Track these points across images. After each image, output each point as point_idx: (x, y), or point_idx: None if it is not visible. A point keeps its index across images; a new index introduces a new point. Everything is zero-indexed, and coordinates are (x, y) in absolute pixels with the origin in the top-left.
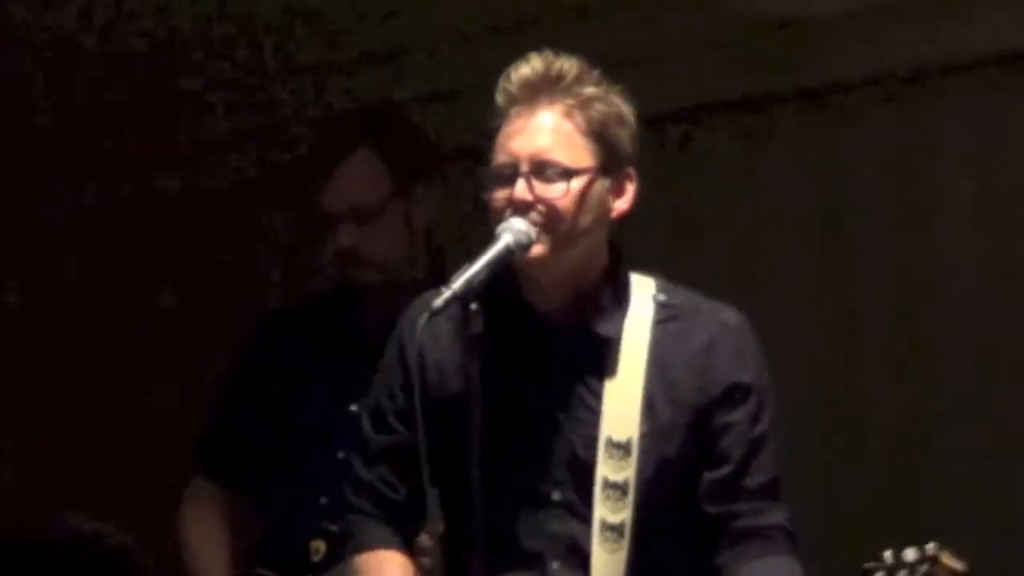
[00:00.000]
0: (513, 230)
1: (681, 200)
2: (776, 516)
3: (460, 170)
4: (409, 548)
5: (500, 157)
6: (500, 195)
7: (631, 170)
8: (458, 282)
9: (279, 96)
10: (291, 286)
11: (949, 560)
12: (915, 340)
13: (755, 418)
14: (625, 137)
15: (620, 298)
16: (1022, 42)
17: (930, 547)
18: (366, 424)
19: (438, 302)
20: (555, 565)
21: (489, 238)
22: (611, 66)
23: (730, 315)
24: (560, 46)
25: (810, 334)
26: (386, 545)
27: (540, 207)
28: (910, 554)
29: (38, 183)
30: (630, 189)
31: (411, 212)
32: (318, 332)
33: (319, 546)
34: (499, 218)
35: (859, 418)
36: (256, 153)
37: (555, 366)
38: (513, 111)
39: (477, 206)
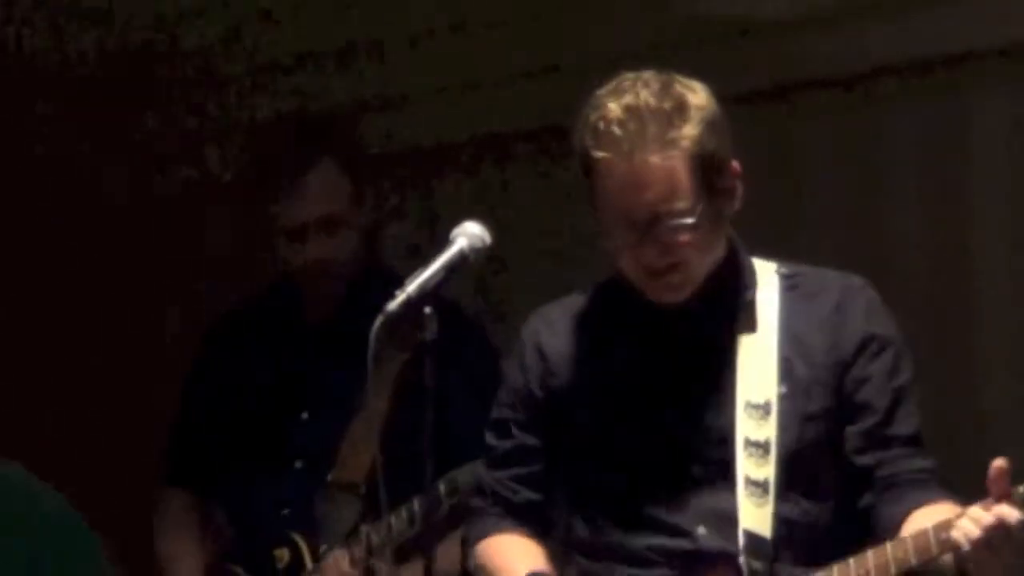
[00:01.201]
0: (468, 234)
1: None
2: (926, 462)
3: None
4: (533, 536)
5: (613, 216)
6: (625, 252)
7: (734, 163)
8: (413, 285)
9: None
10: None
11: None
12: None
13: (895, 368)
14: (720, 140)
15: (746, 277)
16: (980, 41)
17: None
18: (490, 432)
19: (392, 306)
20: (701, 530)
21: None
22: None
23: (855, 278)
24: (515, 48)
25: None
26: (507, 530)
27: (670, 256)
28: None
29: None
30: (738, 185)
31: (364, 215)
32: (262, 337)
33: (283, 554)
34: (638, 273)
35: None
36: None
37: (685, 342)
38: (607, 161)
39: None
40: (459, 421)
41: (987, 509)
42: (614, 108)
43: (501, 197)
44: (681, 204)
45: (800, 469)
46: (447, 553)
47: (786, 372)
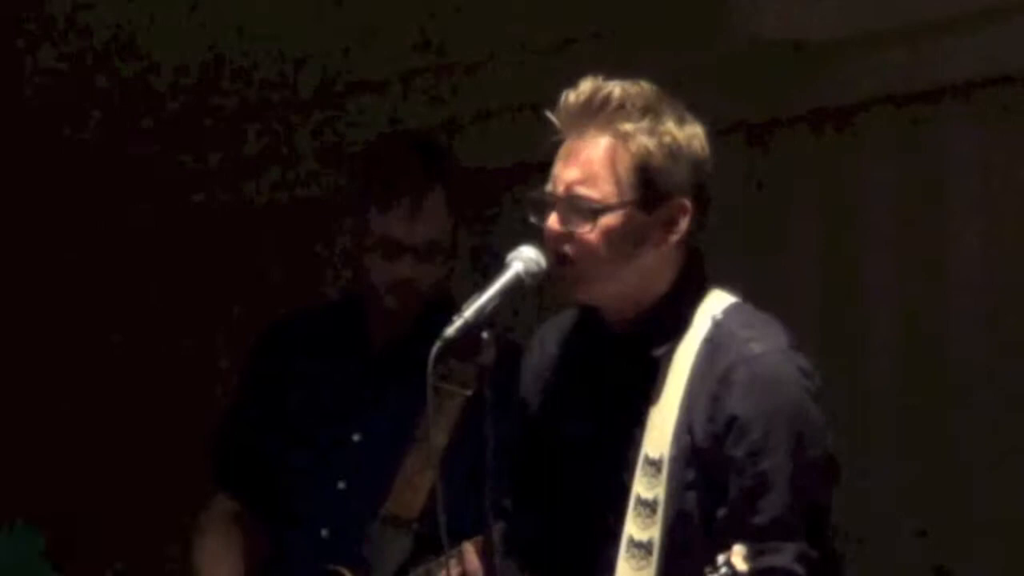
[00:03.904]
0: (523, 258)
1: None
2: (782, 557)
3: None
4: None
5: (547, 183)
6: (544, 221)
7: (684, 201)
8: (470, 310)
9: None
10: None
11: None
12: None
13: (760, 453)
14: (676, 169)
15: (683, 316)
16: None
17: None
18: None
19: (450, 331)
20: None
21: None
22: None
23: (759, 345)
24: (575, 70)
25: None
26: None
27: (572, 240)
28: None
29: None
30: (682, 222)
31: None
32: (322, 351)
33: None
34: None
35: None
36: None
37: (608, 389)
38: (563, 136)
39: None
40: None
41: None
42: (572, 94)
43: None
44: (598, 192)
45: (684, 533)
46: None
47: (677, 434)
